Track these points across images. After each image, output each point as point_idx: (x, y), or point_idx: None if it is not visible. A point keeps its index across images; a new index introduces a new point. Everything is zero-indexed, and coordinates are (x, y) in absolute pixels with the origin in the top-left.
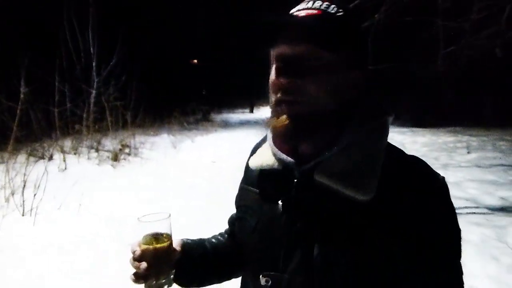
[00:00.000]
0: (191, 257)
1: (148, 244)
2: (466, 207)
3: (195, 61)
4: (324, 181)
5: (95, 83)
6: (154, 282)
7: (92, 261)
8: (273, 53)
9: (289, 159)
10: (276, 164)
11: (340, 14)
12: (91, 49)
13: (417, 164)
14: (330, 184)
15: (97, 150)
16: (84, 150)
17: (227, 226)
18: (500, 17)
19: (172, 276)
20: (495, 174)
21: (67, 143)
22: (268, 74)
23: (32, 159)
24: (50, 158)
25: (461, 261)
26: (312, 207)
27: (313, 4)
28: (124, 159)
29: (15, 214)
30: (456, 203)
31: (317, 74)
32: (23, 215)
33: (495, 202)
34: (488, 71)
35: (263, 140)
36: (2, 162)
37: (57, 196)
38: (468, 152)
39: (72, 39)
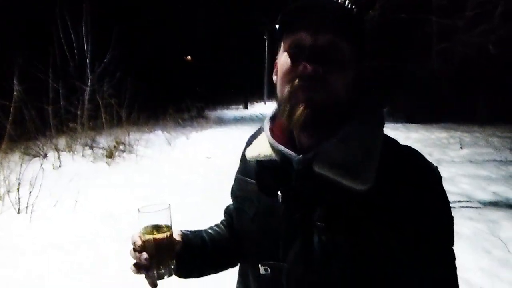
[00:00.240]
0: (190, 248)
1: (149, 235)
2: (459, 202)
3: (189, 57)
4: (323, 172)
5: (89, 80)
6: (155, 272)
7: (92, 261)
8: (291, 39)
9: (288, 150)
10: (273, 155)
11: (355, 9)
12: (85, 46)
13: (413, 156)
14: (329, 175)
15: (91, 148)
16: (78, 147)
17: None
18: (494, 14)
19: (172, 267)
20: (487, 169)
21: (62, 141)
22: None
23: (26, 157)
24: (45, 156)
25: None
26: (311, 198)
27: None
28: (119, 156)
29: (10, 212)
30: (449, 197)
31: (338, 65)
32: (18, 212)
33: (487, 196)
34: (481, 68)
35: (259, 131)
36: None
37: (53, 194)
38: (461, 148)
39: (66, 36)
